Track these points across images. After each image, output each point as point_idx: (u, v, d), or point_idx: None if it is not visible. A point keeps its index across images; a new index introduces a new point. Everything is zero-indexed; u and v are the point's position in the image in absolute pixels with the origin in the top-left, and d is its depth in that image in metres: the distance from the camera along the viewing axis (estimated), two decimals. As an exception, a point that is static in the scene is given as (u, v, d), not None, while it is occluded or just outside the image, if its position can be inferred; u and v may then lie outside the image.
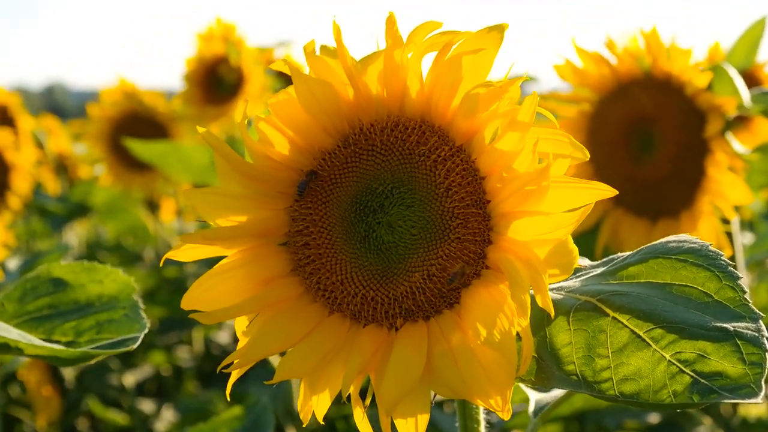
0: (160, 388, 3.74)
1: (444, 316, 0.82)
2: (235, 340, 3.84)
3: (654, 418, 2.49)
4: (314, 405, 0.84)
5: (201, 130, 0.87)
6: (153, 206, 4.35)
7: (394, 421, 0.80)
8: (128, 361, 3.43)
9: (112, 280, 1.15)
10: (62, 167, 5.09)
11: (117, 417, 2.89)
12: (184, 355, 3.70)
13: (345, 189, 0.88)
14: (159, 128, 3.59)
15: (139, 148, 2.67)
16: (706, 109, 1.76)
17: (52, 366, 2.81)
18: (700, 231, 1.76)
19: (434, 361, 0.80)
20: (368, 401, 0.83)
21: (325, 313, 0.87)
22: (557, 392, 1.04)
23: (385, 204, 0.86)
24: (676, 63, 1.74)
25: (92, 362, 1.07)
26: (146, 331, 1.07)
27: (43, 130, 4.83)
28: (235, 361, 0.85)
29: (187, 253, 0.87)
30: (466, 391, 0.78)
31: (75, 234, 4.87)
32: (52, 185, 5.04)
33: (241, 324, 0.88)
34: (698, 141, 1.77)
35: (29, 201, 3.82)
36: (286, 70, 0.86)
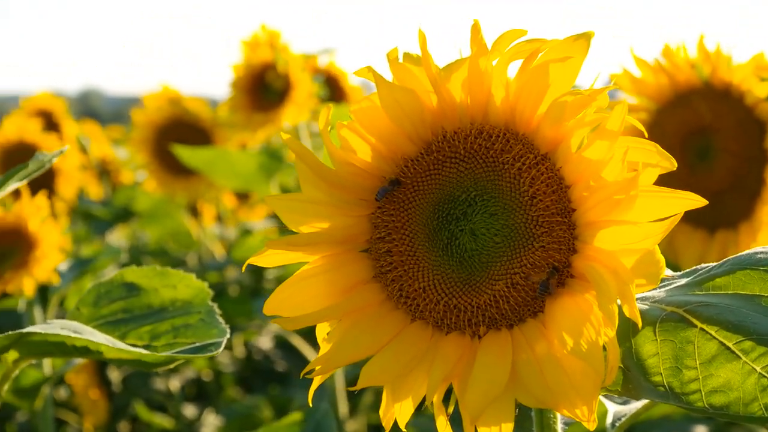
0: (199, 393, 3.76)
1: (528, 325, 0.82)
2: (277, 345, 3.86)
3: (701, 430, 2.47)
4: (396, 412, 0.84)
5: (284, 136, 0.88)
6: (194, 211, 4.38)
7: (478, 430, 0.80)
8: (170, 365, 3.46)
9: (185, 285, 1.16)
10: (104, 172, 5.14)
11: (162, 421, 2.91)
12: (224, 359, 3.72)
13: (427, 196, 0.88)
14: (202, 134, 3.61)
15: (186, 154, 2.69)
16: (766, 119, 1.74)
17: (99, 369, 2.84)
18: (759, 242, 1.74)
19: (519, 370, 0.80)
20: (451, 409, 0.83)
21: (407, 320, 0.87)
22: (635, 404, 1.04)
23: (468, 212, 0.86)
24: (736, 72, 1.73)
25: (171, 366, 1.08)
26: (228, 336, 1.08)
27: (86, 136, 4.87)
28: (318, 368, 0.85)
29: (269, 258, 0.88)
30: (552, 400, 0.78)
31: (117, 238, 4.91)
32: (95, 190, 5.09)
33: (322, 330, 0.88)
34: (758, 151, 1.76)
35: (74, 205, 3.86)
36: (371, 78, 0.86)
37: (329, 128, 0.88)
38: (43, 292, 2.23)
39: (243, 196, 5.33)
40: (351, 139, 0.88)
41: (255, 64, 2.78)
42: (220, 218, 4.77)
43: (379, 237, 0.89)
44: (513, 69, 0.85)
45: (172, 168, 3.59)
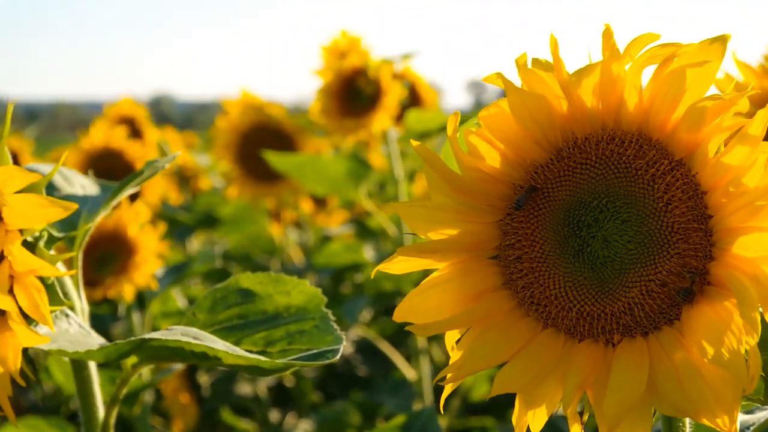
0: (280, 397, 3.78)
1: (664, 333, 0.81)
2: (358, 349, 3.87)
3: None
4: (530, 419, 0.84)
5: (414, 143, 0.88)
6: (276, 217, 4.41)
7: (615, 439, 0.79)
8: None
9: (299, 291, 1.17)
10: (184, 178, 5.21)
11: (248, 426, 2.93)
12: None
13: (557, 203, 0.87)
14: (285, 140, 3.64)
15: (276, 159, 2.71)
16: None
17: (189, 374, 2.87)
18: None
19: (657, 378, 0.79)
20: (585, 418, 0.83)
21: (538, 328, 0.86)
22: (762, 414, 1.02)
23: (600, 218, 0.85)
24: None
25: (287, 372, 1.09)
26: (343, 343, 1.08)
27: (165, 141, 4.94)
28: (449, 375, 0.85)
29: (399, 265, 0.88)
30: (692, 409, 0.77)
31: (198, 244, 4.97)
32: (175, 196, 5.16)
33: (451, 338, 0.88)
34: None
35: (159, 211, 3.91)
36: (500, 84, 0.86)
37: (456, 134, 0.88)
38: (140, 298, 2.27)
39: (320, 202, 5.37)
40: (479, 145, 0.88)
41: (345, 70, 2.80)
42: (298, 224, 4.80)
43: (509, 244, 0.88)
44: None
45: (254, 174, 3.63)
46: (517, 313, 0.87)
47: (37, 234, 1.03)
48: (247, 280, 1.20)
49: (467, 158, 0.88)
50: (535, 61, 0.85)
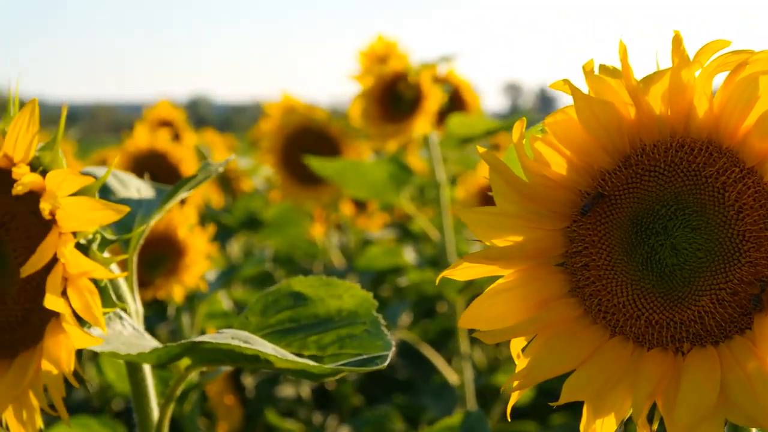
0: (321, 400, 3.78)
1: (735, 342, 0.80)
2: (399, 353, 3.86)
3: None
4: (598, 428, 0.83)
5: (481, 149, 0.87)
6: (317, 220, 4.41)
7: (684, 449, 0.78)
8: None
9: (350, 295, 1.17)
10: (225, 180, 5.22)
11: (293, 427, 2.93)
12: (346, 367, 3.73)
13: (624, 210, 0.86)
14: (329, 143, 3.64)
15: (318, 164, 2.71)
16: None
17: (234, 375, 2.88)
18: None
19: (729, 388, 0.78)
20: (655, 426, 0.82)
21: (605, 336, 0.85)
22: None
23: (669, 226, 0.84)
24: None
25: (336, 377, 1.09)
26: (393, 348, 1.07)
27: (206, 144, 4.96)
28: (515, 383, 0.85)
29: (465, 271, 0.87)
30: (766, 419, 0.76)
31: (237, 247, 4.98)
32: (216, 198, 5.17)
33: (516, 345, 0.87)
34: None
35: (202, 213, 3.93)
36: (567, 91, 0.85)
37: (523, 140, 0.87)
38: (189, 299, 2.28)
39: (361, 205, 5.37)
40: (545, 151, 0.87)
41: (386, 74, 2.79)
42: (339, 227, 4.80)
43: (576, 251, 0.87)
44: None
45: (297, 177, 3.63)
46: (584, 321, 0.86)
47: (90, 237, 1.03)
48: (298, 283, 1.20)
49: (533, 164, 0.87)
50: (603, 67, 0.84)
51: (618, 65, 0.83)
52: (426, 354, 2.99)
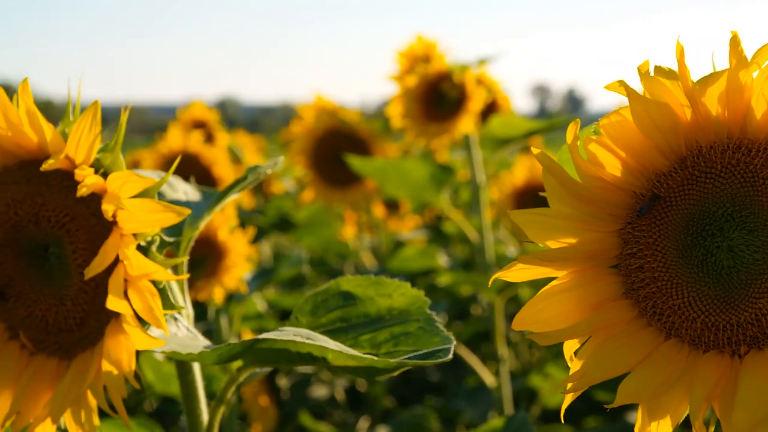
0: (351, 401, 3.79)
1: (793, 345, 0.80)
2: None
3: None
4: (653, 430, 0.83)
5: (535, 151, 0.87)
6: (348, 221, 4.42)
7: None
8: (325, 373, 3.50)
9: (401, 294, 1.17)
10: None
11: (326, 430, 2.94)
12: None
13: (680, 212, 0.86)
14: (360, 145, 3.64)
15: (358, 163, 2.72)
16: None
17: (269, 377, 2.88)
18: None
19: (787, 390, 0.77)
20: (711, 429, 0.81)
21: (660, 338, 0.85)
22: None
23: (725, 228, 0.84)
24: None
25: (395, 374, 1.09)
26: (453, 343, 1.08)
27: (238, 146, 4.97)
28: (569, 385, 0.85)
29: (518, 273, 0.88)
30: (824, 422, 0.76)
31: (268, 248, 5.00)
32: (247, 200, 5.19)
33: (569, 347, 0.88)
34: None
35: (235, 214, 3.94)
36: (622, 92, 0.85)
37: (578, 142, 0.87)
38: (227, 301, 2.29)
39: (392, 206, 5.37)
40: (599, 153, 0.87)
41: (429, 74, 2.80)
42: (370, 228, 4.81)
43: (630, 253, 0.87)
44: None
45: (329, 178, 3.64)
46: (639, 323, 0.87)
47: (149, 239, 1.04)
48: (347, 283, 1.20)
49: (587, 166, 0.87)
50: (658, 68, 0.84)
51: (673, 66, 0.83)
52: (463, 356, 2.98)
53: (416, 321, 1.14)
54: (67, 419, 1.03)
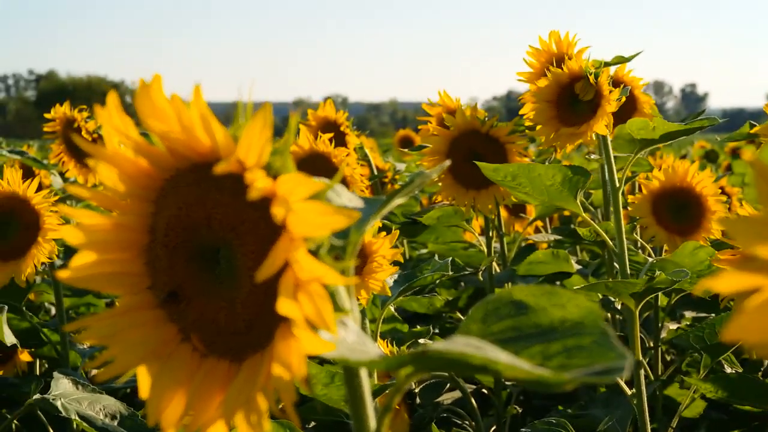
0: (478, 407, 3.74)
1: None
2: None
3: None
4: None
5: (747, 155, 0.82)
6: (474, 224, 4.37)
7: None
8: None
9: (575, 305, 1.12)
10: (381, 183, 5.25)
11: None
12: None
13: None
14: (493, 146, 3.58)
15: (489, 168, 2.66)
16: None
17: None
18: None
19: None
20: None
21: None
22: None
23: None
24: None
25: (568, 388, 1.04)
26: (629, 360, 1.03)
27: (365, 146, 4.97)
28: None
29: (729, 282, 0.82)
30: None
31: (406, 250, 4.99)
32: (374, 201, 5.18)
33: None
34: None
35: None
36: None
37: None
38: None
39: (516, 210, 5.31)
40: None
41: (563, 75, 2.72)
42: (496, 231, 4.75)
43: None
44: None
45: (460, 180, 3.58)
46: None
47: (319, 242, 1.03)
48: (520, 291, 1.16)
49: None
50: None
51: None
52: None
53: (590, 334, 1.09)
54: (238, 421, 1.03)
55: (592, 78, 2.66)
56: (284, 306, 0.95)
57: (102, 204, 1.12)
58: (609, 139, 2.69)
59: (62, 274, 1.11)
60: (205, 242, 1.07)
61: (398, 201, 1.23)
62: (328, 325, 0.95)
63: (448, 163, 1.44)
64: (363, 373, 1.17)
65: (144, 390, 1.09)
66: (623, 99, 2.71)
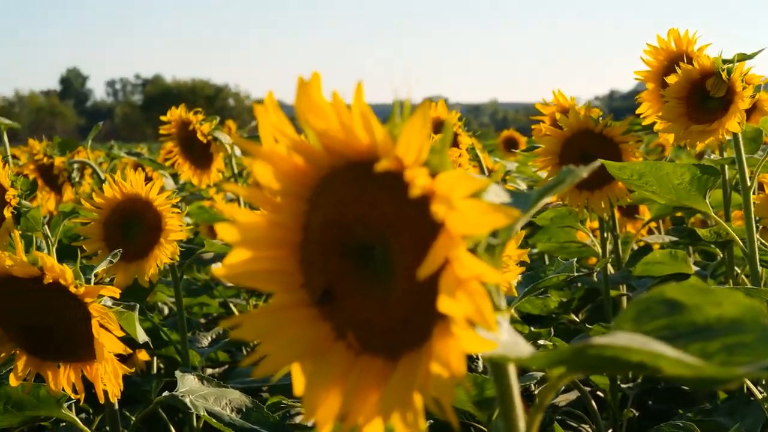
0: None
1: None
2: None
3: None
4: None
5: None
6: (586, 224, 4.32)
7: None
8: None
9: (731, 302, 1.10)
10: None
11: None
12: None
13: None
14: (607, 146, 3.53)
15: (614, 166, 2.63)
16: None
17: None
18: None
19: None
20: None
21: None
22: None
23: None
24: None
25: (732, 385, 1.02)
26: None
27: (477, 148, 4.94)
28: None
29: None
30: None
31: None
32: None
33: None
34: None
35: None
36: None
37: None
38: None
39: (628, 210, 5.22)
40: None
41: (694, 72, 2.67)
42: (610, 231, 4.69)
43: None
44: None
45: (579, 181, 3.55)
46: None
47: (477, 240, 1.03)
48: (671, 290, 1.14)
49: None
50: None
51: None
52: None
53: (752, 331, 1.06)
54: (394, 420, 1.03)
55: (724, 74, 2.61)
56: (445, 304, 0.95)
57: (256, 202, 1.13)
58: (740, 138, 2.63)
59: (218, 272, 1.14)
60: (359, 240, 1.08)
61: (547, 199, 1.22)
62: (489, 324, 0.95)
63: (580, 174, 1.42)
64: (512, 372, 1.17)
65: (299, 387, 1.10)
66: (757, 96, 2.65)
